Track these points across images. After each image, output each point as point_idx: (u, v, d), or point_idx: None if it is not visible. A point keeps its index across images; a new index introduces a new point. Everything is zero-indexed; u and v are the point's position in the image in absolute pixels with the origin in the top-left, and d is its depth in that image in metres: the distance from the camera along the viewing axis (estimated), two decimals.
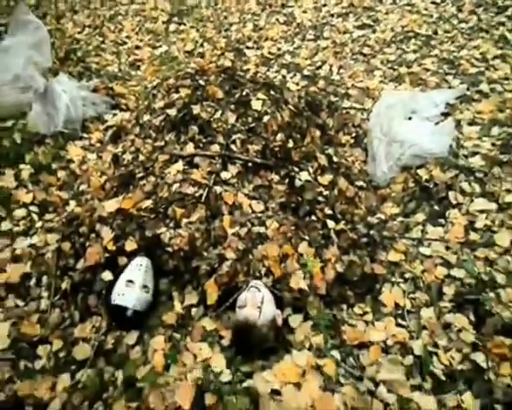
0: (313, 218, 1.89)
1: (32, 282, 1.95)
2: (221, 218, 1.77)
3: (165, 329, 1.71)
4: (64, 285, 1.87)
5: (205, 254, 1.71)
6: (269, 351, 1.59)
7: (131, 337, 1.71)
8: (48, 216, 2.21)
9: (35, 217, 2.19)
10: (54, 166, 2.43)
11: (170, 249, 1.75)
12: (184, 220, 1.79)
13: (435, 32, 3.39)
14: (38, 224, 2.16)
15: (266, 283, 1.66)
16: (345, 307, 1.78)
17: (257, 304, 1.55)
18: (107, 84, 3.00)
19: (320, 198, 1.99)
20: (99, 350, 1.69)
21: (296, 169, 2.11)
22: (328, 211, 1.96)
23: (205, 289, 1.67)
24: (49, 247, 2.04)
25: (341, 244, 1.84)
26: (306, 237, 1.79)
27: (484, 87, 2.78)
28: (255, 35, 3.64)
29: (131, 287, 1.73)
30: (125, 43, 3.68)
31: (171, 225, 1.81)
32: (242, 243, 1.70)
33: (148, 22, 3.94)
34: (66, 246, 1.98)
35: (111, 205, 1.99)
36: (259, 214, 1.81)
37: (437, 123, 2.45)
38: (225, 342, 1.64)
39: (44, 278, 1.94)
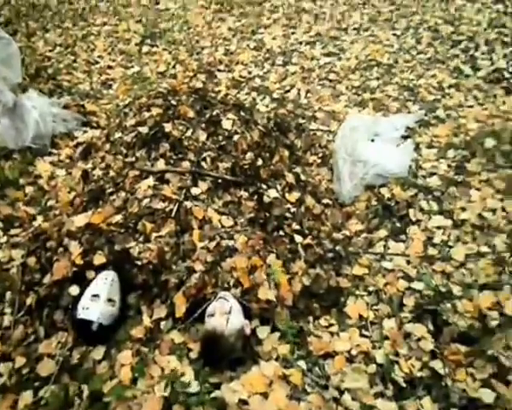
0: (281, 233, 1.95)
1: None
2: (190, 232, 1.80)
3: (133, 343, 1.70)
4: (29, 301, 1.84)
5: (174, 267, 1.73)
6: (236, 362, 1.61)
7: (98, 352, 1.70)
8: (13, 231, 2.18)
9: None
10: (21, 181, 2.40)
11: (139, 263, 1.76)
12: (154, 235, 1.81)
13: (396, 62, 3.60)
14: (3, 239, 2.13)
15: (235, 294, 1.69)
16: (311, 319, 1.83)
17: (225, 313, 1.58)
18: (79, 102, 3.01)
19: (288, 214, 2.06)
20: (64, 366, 1.66)
21: (264, 186, 2.17)
22: (295, 226, 2.02)
23: (173, 302, 1.68)
24: (14, 262, 2.01)
25: (308, 258, 1.91)
26: (274, 251, 1.84)
27: (440, 113, 2.97)
28: (226, 59, 3.75)
29: (96, 301, 1.72)
30: (98, 62, 3.70)
31: (141, 239, 1.83)
32: (211, 256, 1.73)
33: (121, 43, 3.99)
34: (32, 261, 1.95)
35: (80, 220, 1.98)
36: (228, 229, 1.85)
37: (397, 145, 2.60)
38: (193, 354, 1.65)
39: (8, 294, 1.90)
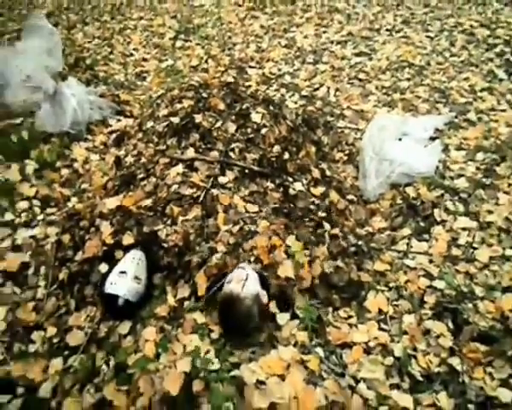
0: (305, 219, 1.99)
1: (30, 271, 2.02)
2: (215, 216, 1.86)
3: (158, 321, 1.77)
4: (61, 276, 1.94)
5: (197, 248, 1.79)
6: (255, 330, 1.66)
7: (124, 327, 1.78)
8: (49, 210, 2.29)
9: (37, 210, 2.27)
10: (58, 163, 2.52)
11: (165, 245, 1.84)
12: (181, 218, 1.88)
13: (428, 64, 3.58)
14: (40, 217, 2.25)
15: (254, 268, 1.74)
16: (331, 309, 1.86)
17: (241, 280, 1.64)
18: (114, 92, 3.13)
19: (312, 207, 2.09)
20: (92, 338, 1.75)
21: (290, 179, 2.21)
22: (321, 214, 2.06)
23: (196, 282, 1.75)
24: (49, 239, 2.12)
25: (331, 248, 1.93)
26: (295, 234, 1.88)
27: (471, 116, 2.94)
28: (257, 55, 3.80)
29: (123, 277, 1.80)
30: (133, 55, 3.83)
31: (168, 222, 1.90)
32: (233, 238, 1.79)
33: (156, 37, 4.10)
34: (66, 238, 2.06)
35: (112, 202, 2.08)
36: (253, 215, 1.90)
37: (425, 146, 2.59)
38: (215, 335, 1.71)
39: (42, 268, 2.01)
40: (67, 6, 4.73)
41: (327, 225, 2.01)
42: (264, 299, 1.69)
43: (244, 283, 1.63)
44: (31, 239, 2.13)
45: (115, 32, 4.22)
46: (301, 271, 1.79)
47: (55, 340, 1.76)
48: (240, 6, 4.73)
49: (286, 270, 1.76)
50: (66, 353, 1.71)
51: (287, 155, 2.34)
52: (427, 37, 4.00)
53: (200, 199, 1.95)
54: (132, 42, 4.03)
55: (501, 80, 3.34)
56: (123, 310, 1.79)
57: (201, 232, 1.82)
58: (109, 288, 1.79)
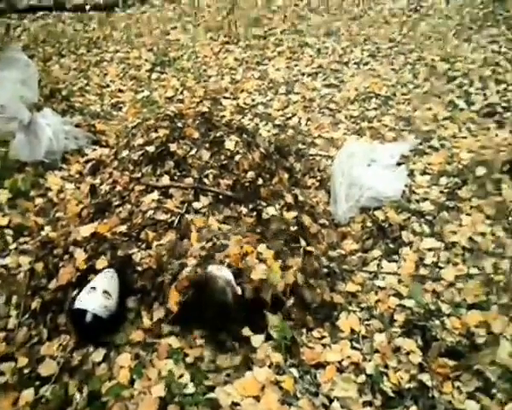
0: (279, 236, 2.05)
1: (1, 301, 1.99)
2: (189, 236, 1.90)
3: (132, 347, 1.77)
4: (34, 305, 1.92)
5: (169, 266, 1.82)
6: (229, 324, 1.72)
7: (98, 355, 1.76)
8: (22, 239, 2.28)
9: (9, 239, 2.25)
10: (32, 192, 2.52)
11: (139, 269, 1.85)
12: (155, 243, 1.91)
13: (393, 94, 3.77)
14: (12, 246, 2.23)
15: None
16: (304, 330, 1.90)
17: (216, 267, 1.72)
18: (90, 122, 3.17)
19: (284, 227, 2.16)
20: (65, 367, 1.72)
21: (264, 204, 2.28)
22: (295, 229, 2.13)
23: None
24: (22, 268, 2.10)
25: (306, 266, 1.99)
26: (267, 244, 1.94)
27: (434, 143, 3.10)
28: (232, 87, 3.93)
29: (92, 293, 1.78)
30: (109, 86, 3.89)
31: (143, 246, 1.92)
32: (205, 252, 1.83)
33: (132, 69, 4.19)
34: (39, 267, 2.04)
35: (86, 229, 2.08)
36: (226, 231, 1.95)
37: (392, 171, 2.71)
38: (190, 359, 1.72)
39: (14, 298, 1.98)
40: (44, 39, 4.79)
41: (302, 242, 2.07)
42: (238, 290, 1.73)
43: (218, 268, 1.70)
44: (2, 269, 2.11)
45: (92, 64, 4.29)
46: (273, 276, 1.82)
47: (26, 371, 1.73)
48: (214, 40, 4.89)
49: (259, 273, 1.80)
50: (37, 383, 1.68)
51: (260, 181, 2.41)
52: (392, 70, 4.23)
53: (175, 224, 1.98)
54: (109, 74, 4.11)
55: (461, 110, 3.54)
56: (92, 326, 1.75)
57: (173, 252, 1.85)
58: (77, 304, 1.77)
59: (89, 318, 1.74)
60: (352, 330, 1.92)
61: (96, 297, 1.77)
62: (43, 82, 3.57)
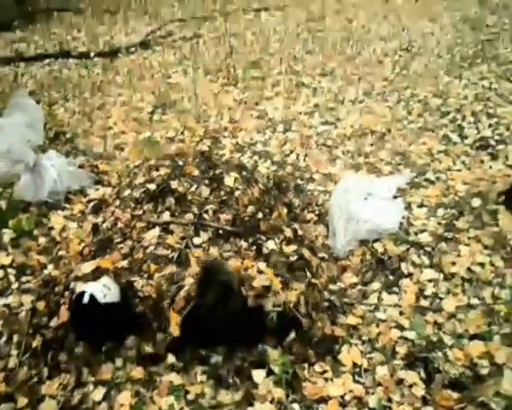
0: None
1: (3, 340, 1.99)
2: (189, 265, 1.93)
3: (133, 384, 1.76)
4: (35, 343, 1.93)
5: (168, 293, 1.84)
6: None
7: (98, 393, 1.76)
8: (25, 278, 2.30)
9: (12, 278, 2.28)
10: (35, 232, 2.56)
11: (141, 294, 1.87)
12: (157, 274, 1.93)
13: (389, 130, 3.87)
14: (15, 285, 2.25)
15: None
16: (306, 365, 1.89)
17: None
18: (93, 163, 3.25)
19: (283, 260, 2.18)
20: (65, 406, 1.72)
21: (264, 238, 2.31)
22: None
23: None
24: (24, 307, 2.12)
25: (308, 297, 2.00)
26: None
27: (430, 176, 3.17)
28: (231, 126, 4.04)
29: (92, 282, 1.86)
30: (112, 128, 4.00)
31: (145, 276, 1.96)
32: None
33: (135, 112, 4.32)
34: (41, 305, 2.06)
35: (88, 266, 2.11)
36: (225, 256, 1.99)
37: (389, 204, 2.76)
38: (191, 396, 1.71)
39: (15, 337, 1.99)
40: (50, 85, 4.97)
41: (308, 273, 2.10)
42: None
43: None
44: (4, 308, 2.13)
45: (95, 107, 4.43)
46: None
47: None
48: (214, 82, 5.06)
49: (260, 281, 1.84)
50: None
51: (260, 215, 2.45)
52: (387, 106, 4.35)
53: (175, 259, 2.01)
54: (112, 116, 4.23)
55: (455, 143, 3.63)
56: (88, 309, 1.76)
57: (172, 280, 1.88)
58: (77, 289, 1.84)
59: (86, 298, 1.75)
60: (354, 364, 1.91)
61: (96, 285, 1.82)
62: (48, 125, 3.69)
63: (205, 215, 2.27)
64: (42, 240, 2.54)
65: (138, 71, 5.49)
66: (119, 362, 1.86)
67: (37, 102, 3.92)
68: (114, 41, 6.66)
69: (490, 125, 3.88)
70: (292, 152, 3.60)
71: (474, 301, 2.18)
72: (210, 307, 1.78)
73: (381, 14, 7.88)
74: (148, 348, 1.80)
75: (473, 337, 2.00)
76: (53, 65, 5.70)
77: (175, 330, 1.75)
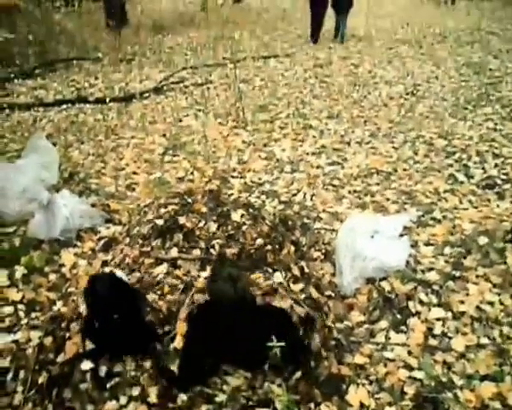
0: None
1: (9, 377, 2.00)
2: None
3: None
4: (41, 379, 1.93)
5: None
6: None
7: None
8: (34, 314, 2.33)
9: (21, 314, 2.30)
10: (46, 269, 2.61)
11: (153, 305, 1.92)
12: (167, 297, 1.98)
13: (395, 170, 3.93)
14: (24, 321, 2.27)
15: None
16: (312, 405, 1.86)
17: None
18: (104, 202, 3.34)
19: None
20: None
21: (270, 270, 2.32)
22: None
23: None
24: (31, 342, 2.13)
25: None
26: None
27: (437, 215, 3.18)
28: (239, 167, 4.14)
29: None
30: (124, 169, 4.12)
31: (158, 292, 2.01)
32: None
33: (146, 153, 4.46)
34: (48, 341, 2.08)
35: None
36: None
37: (395, 242, 2.76)
38: None
39: (22, 373, 2.00)
40: (66, 128, 5.18)
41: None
42: None
43: None
44: (12, 344, 2.14)
45: (109, 149, 4.58)
46: None
47: None
48: (223, 125, 5.23)
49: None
50: None
51: (267, 247, 2.48)
52: (393, 147, 4.43)
53: (181, 290, 2.04)
54: (124, 158, 4.37)
55: (461, 183, 3.67)
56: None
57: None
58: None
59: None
60: (362, 404, 1.88)
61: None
62: (63, 166, 3.82)
63: (211, 250, 2.30)
64: (52, 277, 2.58)
65: (151, 115, 5.70)
66: (123, 400, 1.85)
67: (54, 145, 4.07)
68: (129, 87, 6.95)
69: (496, 165, 3.92)
70: (299, 191, 3.66)
71: (484, 340, 2.15)
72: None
73: (386, 59, 8.15)
74: (153, 392, 1.79)
75: (484, 378, 1.96)
76: (70, 110, 5.95)
77: (179, 343, 1.76)
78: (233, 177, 3.98)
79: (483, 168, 3.88)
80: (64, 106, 6.08)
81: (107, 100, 6.14)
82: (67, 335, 2.00)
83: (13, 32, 7.89)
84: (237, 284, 1.91)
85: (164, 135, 4.97)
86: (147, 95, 6.50)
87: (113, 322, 1.84)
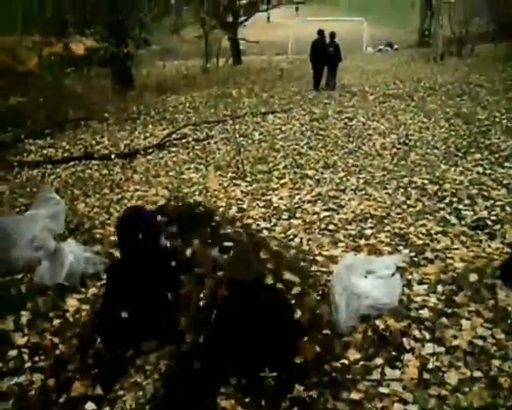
0: None
1: None
2: None
3: None
4: None
5: None
6: None
7: None
8: (37, 357, 2.39)
9: (25, 357, 2.37)
10: (51, 314, 2.70)
11: None
12: None
13: (388, 214, 4.07)
14: (28, 364, 2.34)
15: None
16: None
17: None
18: (108, 250, 3.47)
19: None
20: None
21: None
22: None
23: None
24: (34, 385, 2.19)
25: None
26: None
27: (429, 255, 3.28)
28: (238, 215, 4.30)
29: None
30: None
31: None
32: None
33: (149, 204, 4.65)
34: (51, 382, 2.13)
35: None
36: None
37: (388, 281, 2.85)
38: None
39: None
40: (73, 183, 5.42)
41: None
42: None
43: None
44: (15, 386, 2.20)
45: (113, 202, 4.78)
46: None
47: None
48: (223, 177, 5.46)
49: None
50: None
51: None
52: (386, 193, 4.60)
53: None
54: None
55: (453, 224, 3.79)
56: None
57: None
58: None
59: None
60: None
61: None
62: (69, 218, 3.99)
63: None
64: (56, 322, 2.66)
65: (154, 169, 5.96)
66: None
67: (61, 198, 4.27)
68: (134, 144, 7.29)
69: (486, 207, 4.06)
70: (295, 236, 3.78)
71: (477, 373, 2.18)
72: None
73: (380, 112, 8.55)
74: None
75: None
76: (77, 166, 6.23)
77: None
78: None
79: (473, 210, 4.01)
80: (71, 163, 6.37)
81: (113, 156, 6.44)
82: (77, 375, 2.06)
83: (25, 95, 8.40)
84: None
85: (166, 187, 5.18)
86: (150, 151, 6.82)
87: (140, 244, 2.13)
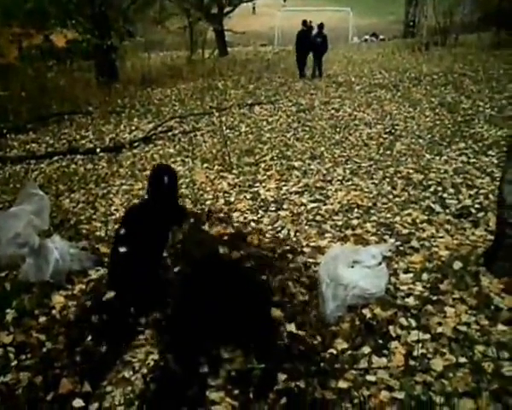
0: None
1: None
2: None
3: None
4: None
5: None
6: None
7: None
8: (23, 356, 2.37)
9: (11, 356, 2.34)
10: (37, 311, 2.67)
11: None
12: None
13: (374, 204, 4.10)
14: (13, 363, 2.31)
15: None
16: None
17: None
18: (94, 245, 3.43)
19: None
20: None
21: None
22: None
23: None
24: (21, 384, 2.17)
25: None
26: None
27: (414, 244, 3.32)
28: (226, 208, 4.29)
29: None
30: (113, 214, 4.25)
31: None
32: None
33: (136, 199, 4.61)
34: (38, 380, 2.12)
35: None
36: None
37: (375, 270, 2.88)
38: None
39: None
40: (57, 178, 5.34)
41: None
42: None
43: None
44: (2, 386, 2.17)
45: (99, 196, 4.73)
46: None
47: None
48: (210, 169, 5.43)
49: None
50: None
51: None
52: (373, 183, 4.63)
53: None
54: (114, 204, 4.51)
55: (438, 213, 3.83)
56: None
57: None
58: None
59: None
60: None
61: None
62: (54, 213, 3.94)
63: None
64: (42, 319, 2.63)
65: (140, 163, 5.90)
66: None
67: (46, 194, 4.20)
68: (119, 138, 7.20)
69: (470, 196, 4.11)
70: (283, 228, 3.79)
71: (462, 359, 2.22)
72: None
73: (365, 102, 8.58)
74: None
75: (462, 395, 2.02)
76: (61, 161, 6.14)
77: None
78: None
79: (458, 199, 4.07)
80: (55, 158, 6.27)
81: (98, 150, 6.36)
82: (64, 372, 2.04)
83: (6, 89, 8.22)
84: None
85: None
86: (136, 144, 6.74)
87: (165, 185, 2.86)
